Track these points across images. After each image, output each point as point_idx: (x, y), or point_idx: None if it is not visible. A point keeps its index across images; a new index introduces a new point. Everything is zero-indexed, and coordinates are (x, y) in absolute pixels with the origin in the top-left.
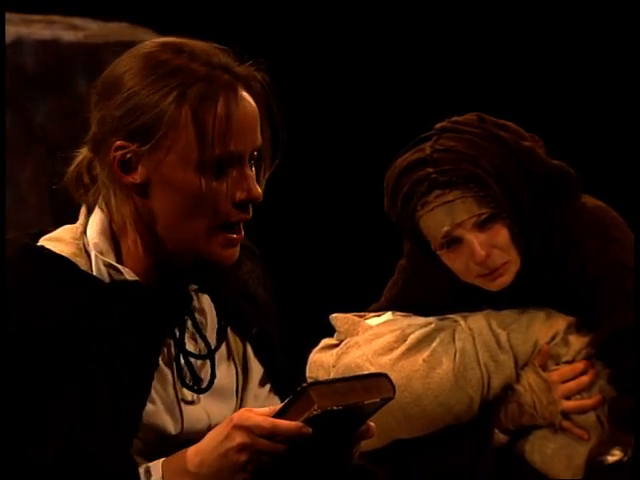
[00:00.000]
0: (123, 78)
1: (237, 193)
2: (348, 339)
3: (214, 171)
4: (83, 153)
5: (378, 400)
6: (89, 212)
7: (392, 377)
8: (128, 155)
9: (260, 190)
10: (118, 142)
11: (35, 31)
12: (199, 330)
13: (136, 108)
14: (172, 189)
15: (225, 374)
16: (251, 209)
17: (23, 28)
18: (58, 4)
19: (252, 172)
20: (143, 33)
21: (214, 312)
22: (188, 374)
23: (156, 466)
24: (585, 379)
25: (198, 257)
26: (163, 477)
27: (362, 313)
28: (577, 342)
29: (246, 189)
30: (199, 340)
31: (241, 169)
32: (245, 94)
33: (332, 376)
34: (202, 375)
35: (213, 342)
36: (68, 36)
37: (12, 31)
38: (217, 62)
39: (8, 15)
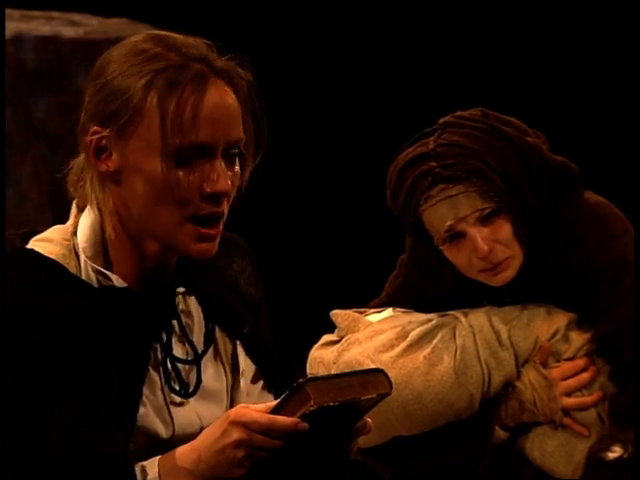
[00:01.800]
0: (107, 66)
1: (204, 185)
2: (349, 335)
3: (176, 160)
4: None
5: (375, 396)
6: (80, 211)
7: (393, 374)
8: (103, 142)
9: (230, 184)
10: (93, 128)
11: (35, 27)
12: (185, 334)
13: (110, 93)
14: (139, 177)
15: (214, 376)
16: (224, 204)
17: (23, 24)
18: (58, 0)
19: (223, 165)
20: (143, 29)
21: (201, 314)
22: (175, 378)
23: (152, 464)
24: (586, 376)
25: (172, 250)
26: (160, 475)
27: (363, 309)
28: (578, 339)
29: (213, 181)
30: (186, 343)
31: (211, 161)
32: (222, 87)
33: (332, 373)
34: (189, 378)
35: (200, 345)
36: (68, 32)
37: (12, 27)
38: (194, 53)
39: (8, 11)
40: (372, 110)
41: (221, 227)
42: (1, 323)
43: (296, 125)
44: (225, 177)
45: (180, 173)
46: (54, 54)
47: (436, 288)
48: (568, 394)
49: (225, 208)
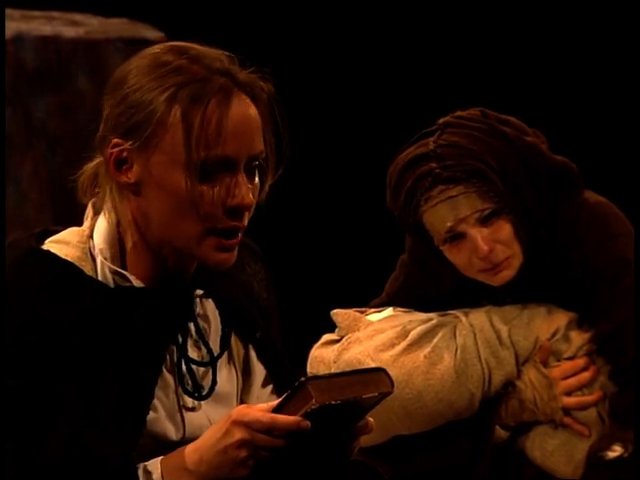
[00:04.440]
0: (127, 77)
1: (227, 199)
2: (349, 335)
3: (200, 174)
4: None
5: (376, 395)
6: (95, 213)
7: (393, 373)
8: (124, 154)
9: (252, 197)
10: (115, 140)
11: (35, 27)
12: (202, 336)
13: (132, 106)
14: (162, 190)
15: (226, 379)
16: (246, 217)
17: (23, 24)
18: (58, 0)
19: (246, 179)
20: (144, 29)
21: (218, 318)
22: (189, 381)
23: (154, 465)
24: (586, 375)
25: (192, 259)
26: (162, 475)
27: (363, 309)
28: (578, 338)
29: (236, 195)
30: (202, 347)
31: (234, 175)
32: (244, 100)
33: (333, 372)
34: (204, 381)
35: (216, 348)
36: (68, 32)
37: (12, 27)
38: (217, 66)
39: (8, 11)
40: (372, 110)
41: (240, 237)
42: (1, 323)
43: (295, 125)
44: (248, 191)
45: (204, 187)
46: (54, 54)
47: (436, 288)
48: (568, 393)
49: (246, 221)
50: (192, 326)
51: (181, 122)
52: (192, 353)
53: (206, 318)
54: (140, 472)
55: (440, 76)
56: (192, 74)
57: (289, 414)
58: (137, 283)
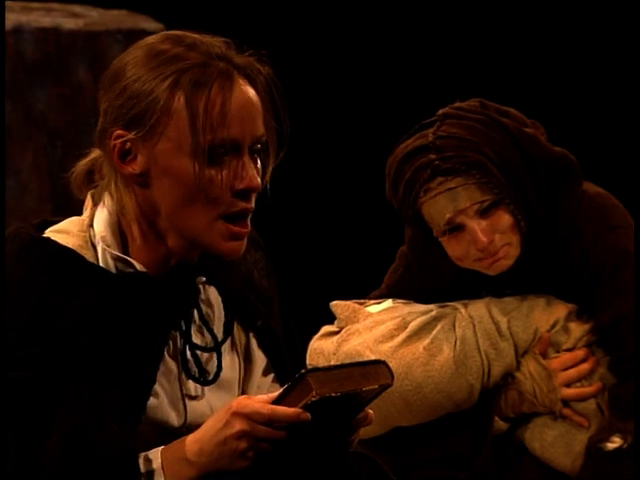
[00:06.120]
0: (125, 69)
1: (235, 182)
2: (348, 326)
3: (207, 158)
4: (97, 151)
5: (376, 387)
6: (95, 203)
7: (393, 365)
8: (127, 145)
9: (259, 180)
10: (117, 131)
11: (35, 19)
12: (206, 322)
13: (133, 96)
14: (169, 178)
15: (229, 366)
16: (253, 199)
17: (23, 16)
18: None
19: (251, 162)
20: (143, 20)
21: (221, 304)
22: (194, 367)
23: (155, 454)
24: (585, 367)
25: (201, 249)
26: (162, 466)
27: (362, 300)
28: (577, 330)
29: (244, 178)
30: (206, 333)
31: (239, 158)
32: (244, 83)
33: (332, 364)
34: (208, 368)
35: (220, 335)
36: (68, 24)
37: (12, 19)
38: (215, 52)
39: (8, 3)
40: (371, 101)
41: (249, 224)
42: (1, 312)
43: (295, 118)
44: (255, 173)
45: (212, 171)
46: (54, 46)
47: (436, 280)
48: (568, 385)
49: (253, 203)
50: (196, 312)
51: (185, 108)
52: (196, 339)
53: (210, 304)
54: (141, 461)
55: (439, 67)
56: (191, 60)
57: (289, 406)
58: (140, 268)
